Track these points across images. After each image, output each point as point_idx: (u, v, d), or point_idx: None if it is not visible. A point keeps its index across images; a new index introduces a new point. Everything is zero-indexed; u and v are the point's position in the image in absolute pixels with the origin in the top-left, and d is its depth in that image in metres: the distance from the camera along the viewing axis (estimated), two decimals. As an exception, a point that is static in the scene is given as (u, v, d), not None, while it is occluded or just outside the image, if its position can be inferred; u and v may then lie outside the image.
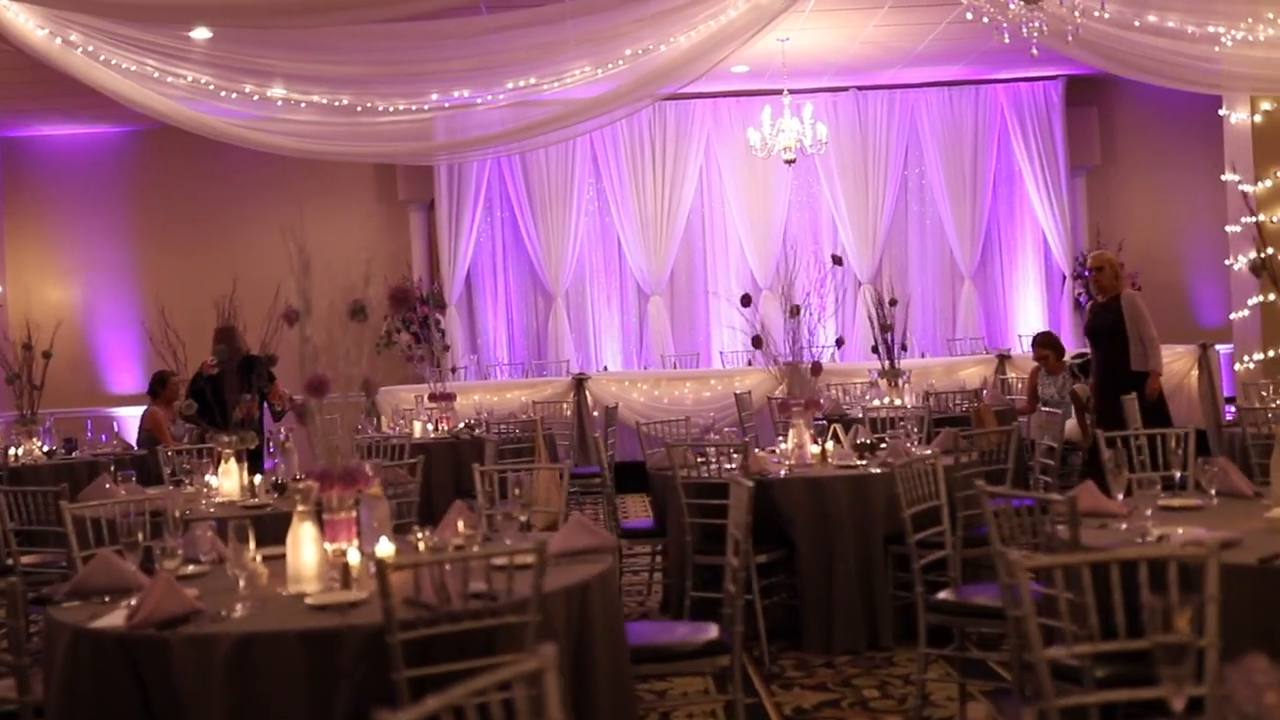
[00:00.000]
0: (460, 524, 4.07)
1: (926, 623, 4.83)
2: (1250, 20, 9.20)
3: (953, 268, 15.19)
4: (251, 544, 3.64)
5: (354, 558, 3.93)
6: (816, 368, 7.13)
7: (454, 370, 13.14)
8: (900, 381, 10.19)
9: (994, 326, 15.19)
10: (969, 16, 6.72)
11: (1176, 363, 13.17)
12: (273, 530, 4.51)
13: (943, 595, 4.82)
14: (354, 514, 4.12)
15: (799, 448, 6.62)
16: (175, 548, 4.02)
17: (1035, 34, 6.24)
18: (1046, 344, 9.87)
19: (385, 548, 4.17)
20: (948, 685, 5.41)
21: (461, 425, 9.73)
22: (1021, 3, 5.99)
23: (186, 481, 6.77)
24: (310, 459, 7.69)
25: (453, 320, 14.39)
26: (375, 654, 3.34)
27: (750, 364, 14.11)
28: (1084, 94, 15.04)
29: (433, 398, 9.92)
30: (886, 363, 10.29)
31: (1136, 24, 8.78)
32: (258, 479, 6.35)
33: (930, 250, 15.25)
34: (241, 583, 3.62)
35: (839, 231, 14.90)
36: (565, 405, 11.70)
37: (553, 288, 14.74)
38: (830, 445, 6.74)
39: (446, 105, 9.32)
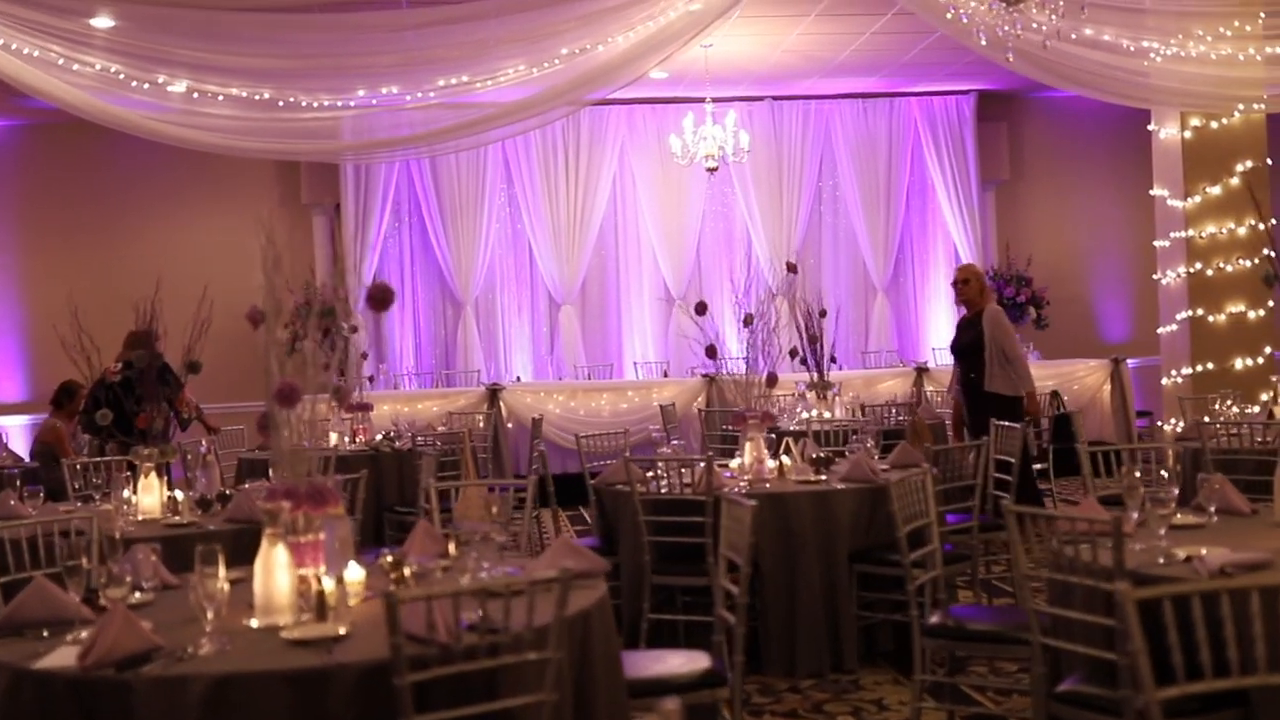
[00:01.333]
0: (451, 547, 3.72)
1: (922, 648, 4.60)
2: (1181, 36, 9.24)
3: (866, 280, 15.14)
4: (221, 570, 3.24)
5: (327, 585, 3.56)
6: (772, 378, 6.89)
7: (371, 379, 12.65)
8: (830, 394, 10.03)
9: (906, 339, 15.17)
10: (949, 15, 6.55)
11: (1089, 377, 13.27)
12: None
13: (935, 619, 4.59)
14: (321, 536, 3.76)
15: (758, 462, 6.35)
16: (123, 574, 3.61)
17: (1013, 37, 6.10)
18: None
19: (355, 573, 3.81)
20: (930, 712, 5.18)
21: (380, 437, 9.29)
22: (1002, 5, 5.84)
23: (97, 497, 6.29)
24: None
25: (358, 328, 13.85)
26: (368, 695, 2.99)
27: (666, 375, 13.87)
28: (994, 109, 15.15)
29: (349, 408, 9.44)
30: (815, 375, 10.11)
31: (1074, 36, 8.74)
32: (179, 495, 5.90)
33: (844, 262, 15.17)
34: (209, 614, 3.22)
35: (753, 242, 14.72)
36: (479, 416, 11.31)
37: (462, 296, 14.32)
38: (786, 460, 6.50)
39: (374, 102, 8.89)
